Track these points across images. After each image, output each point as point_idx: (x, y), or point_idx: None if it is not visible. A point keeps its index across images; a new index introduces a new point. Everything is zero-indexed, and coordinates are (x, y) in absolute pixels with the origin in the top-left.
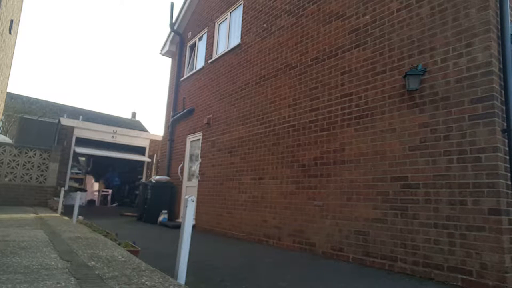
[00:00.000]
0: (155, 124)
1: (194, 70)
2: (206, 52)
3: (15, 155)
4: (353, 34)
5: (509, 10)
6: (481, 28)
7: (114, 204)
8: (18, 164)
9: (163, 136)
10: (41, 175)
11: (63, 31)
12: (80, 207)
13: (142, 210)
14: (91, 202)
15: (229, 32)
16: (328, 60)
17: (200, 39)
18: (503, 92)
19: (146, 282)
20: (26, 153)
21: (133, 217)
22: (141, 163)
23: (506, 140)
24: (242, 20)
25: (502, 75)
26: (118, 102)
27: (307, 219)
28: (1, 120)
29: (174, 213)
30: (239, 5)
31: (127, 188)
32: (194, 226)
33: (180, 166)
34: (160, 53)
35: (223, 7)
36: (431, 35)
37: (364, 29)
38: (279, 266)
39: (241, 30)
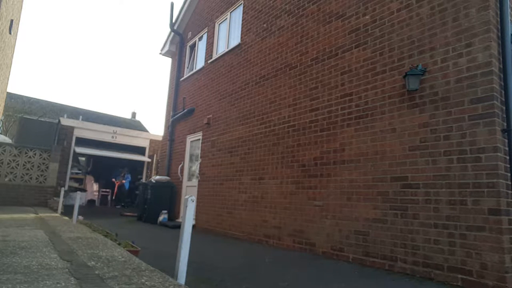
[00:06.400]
0: (155, 124)
1: (194, 70)
2: (206, 52)
3: (15, 155)
4: (353, 34)
5: (509, 10)
6: (481, 28)
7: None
8: (18, 164)
9: (163, 136)
10: (41, 175)
11: (63, 31)
12: (80, 207)
13: (142, 210)
14: (91, 202)
15: (229, 32)
16: (328, 60)
17: (200, 39)
18: (503, 92)
19: (146, 282)
20: (26, 153)
21: (133, 217)
22: (141, 163)
23: (506, 140)
24: (242, 20)
25: (502, 75)
26: (118, 102)
27: (307, 219)
28: (1, 120)
29: (174, 213)
30: (239, 5)
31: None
32: (194, 226)
33: (180, 166)
34: (160, 53)
35: (223, 7)
36: (431, 35)
37: (364, 29)
38: (279, 266)
39: (241, 30)
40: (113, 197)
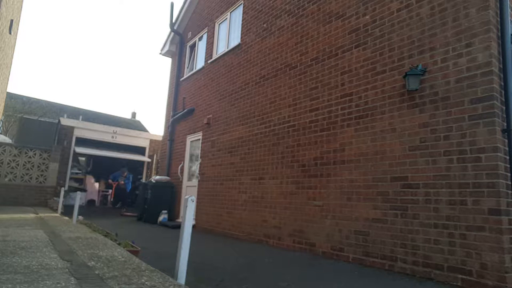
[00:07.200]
0: (155, 124)
1: (194, 70)
2: (206, 52)
3: (15, 155)
4: (353, 34)
5: (509, 10)
6: (481, 28)
7: (118, 206)
8: (18, 164)
9: (163, 136)
10: (41, 175)
11: (63, 31)
12: (80, 207)
13: (142, 210)
14: (91, 202)
15: (229, 32)
16: (328, 60)
17: (200, 39)
18: (503, 92)
19: (146, 282)
20: (26, 153)
21: (133, 217)
22: (141, 163)
23: (506, 140)
24: (242, 20)
25: (502, 75)
26: (118, 102)
27: (307, 219)
28: (1, 120)
29: (174, 213)
30: (239, 5)
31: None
32: (194, 226)
33: (180, 166)
34: (160, 53)
35: (223, 7)
36: (431, 35)
37: (364, 29)
38: (279, 266)
39: (241, 30)
40: (112, 199)
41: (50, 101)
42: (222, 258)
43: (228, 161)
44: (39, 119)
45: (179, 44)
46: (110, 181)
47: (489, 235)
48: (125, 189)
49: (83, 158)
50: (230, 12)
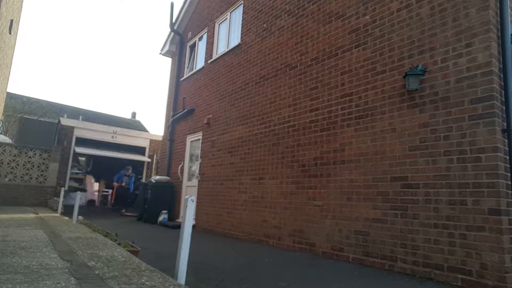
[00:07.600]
0: (155, 124)
1: (194, 70)
2: (206, 52)
3: (15, 155)
4: (353, 34)
5: (509, 10)
6: (481, 28)
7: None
8: (18, 164)
9: (163, 136)
10: (41, 175)
11: (63, 31)
12: (80, 207)
13: (142, 210)
14: (91, 202)
15: (229, 32)
16: (328, 60)
17: (200, 39)
18: (503, 92)
19: (146, 282)
20: (26, 153)
21: (133, 217)
22: (141, 163)
23: (506, 140)
24: (242, 20)
25: (502, 75)
26: (118, 102)
27: (307, 219)
28: (1, 120)
29: (174, 213)
30: (239, 5)
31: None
32: (194, 226)
33: (180, 166)
34: (160, 53)
35: (223, 7)
36: (431, 35)
37: (364, 29)
38: (279, 266)
39: (241, 30)
40: (112, 200)
41: (50, 101)
42: (222, 258)
43: (228, 161)
44: (39, 119)
45: (179, 44)
46: (115, 183)
47: (489, 235)
48: (128, 188)
49: (83, 158)
50: (230, 12)
